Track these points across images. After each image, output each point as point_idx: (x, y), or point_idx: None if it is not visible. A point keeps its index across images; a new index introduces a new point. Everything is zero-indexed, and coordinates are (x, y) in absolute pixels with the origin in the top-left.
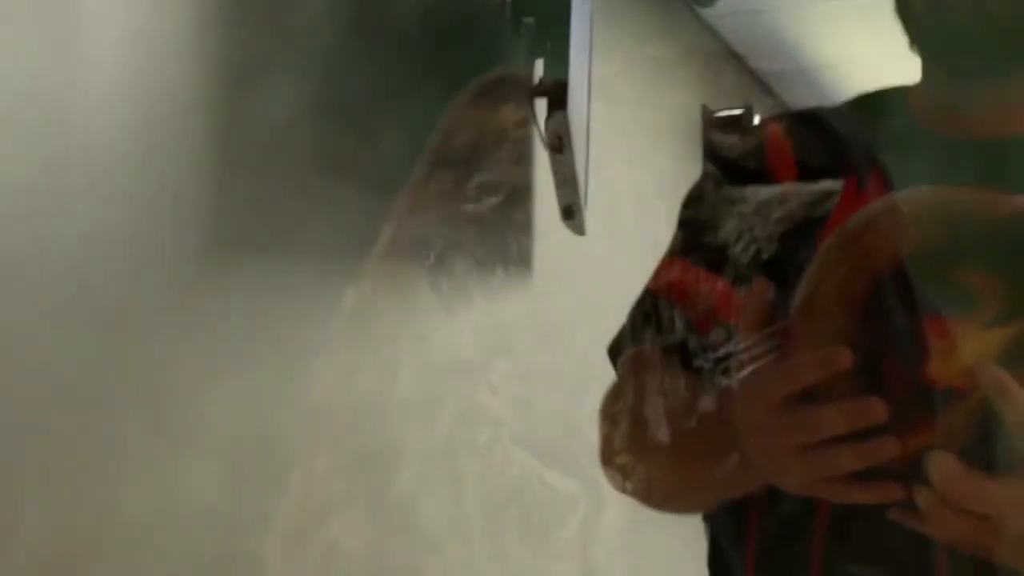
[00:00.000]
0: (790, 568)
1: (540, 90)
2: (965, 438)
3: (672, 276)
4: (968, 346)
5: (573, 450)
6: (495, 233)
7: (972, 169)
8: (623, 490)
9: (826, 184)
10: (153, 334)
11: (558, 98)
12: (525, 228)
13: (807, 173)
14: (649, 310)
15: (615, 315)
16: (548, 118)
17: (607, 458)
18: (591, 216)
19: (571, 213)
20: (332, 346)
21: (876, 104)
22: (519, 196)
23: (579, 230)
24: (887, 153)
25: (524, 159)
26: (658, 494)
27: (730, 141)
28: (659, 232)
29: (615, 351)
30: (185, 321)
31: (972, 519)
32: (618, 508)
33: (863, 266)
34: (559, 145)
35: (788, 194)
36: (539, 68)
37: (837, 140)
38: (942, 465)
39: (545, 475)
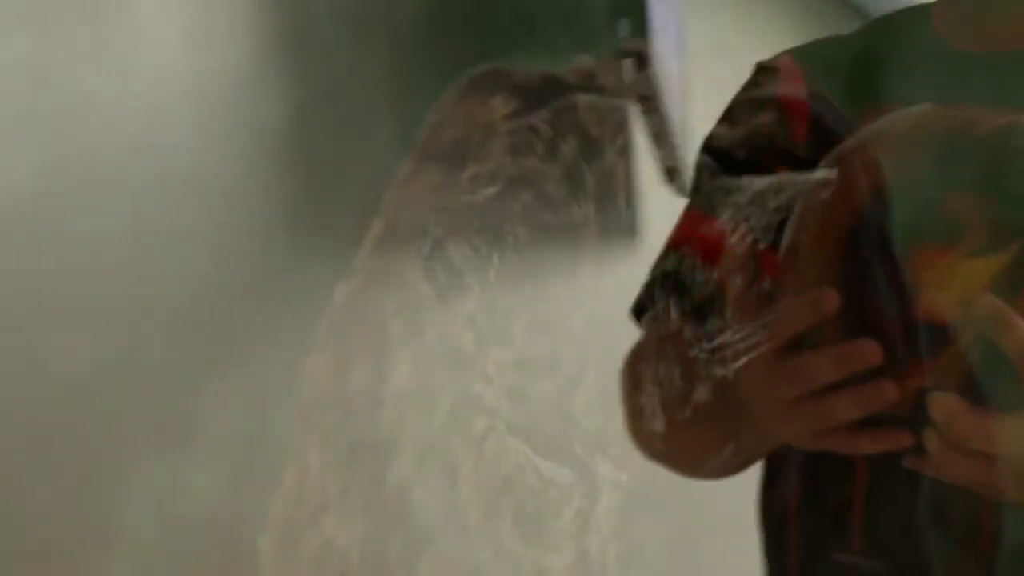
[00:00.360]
0: (831, 526)
1: (624, 51)
2: (965, 375)
3: (668, 264)
4: (959, 276)
5: (568, 439)
6: (494, 221)
7: (995, 83)
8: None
9: (821, 173)
10: (153, 334)
11: (643, 58)
12: (628, 198)
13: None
14: (644, 299)
15: (608, 303)
16: (634, 79)
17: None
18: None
19: (673, 175)
20: (323, 342)
21: (898, 24)
22: (519, 184)
23: (684, 192)
24: (910, 72)
25: (520, 150)
26: (675, 469)
27: (720, 131)
28: None
29: (637, 312)
30: (190, 321)
31: (980, 459)
32: (613, 497)
33: (844, 200)
34: (649, 107)
35: (784, 183)
36: (623, 28)
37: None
38: (943, 405)
39: (540, 465)
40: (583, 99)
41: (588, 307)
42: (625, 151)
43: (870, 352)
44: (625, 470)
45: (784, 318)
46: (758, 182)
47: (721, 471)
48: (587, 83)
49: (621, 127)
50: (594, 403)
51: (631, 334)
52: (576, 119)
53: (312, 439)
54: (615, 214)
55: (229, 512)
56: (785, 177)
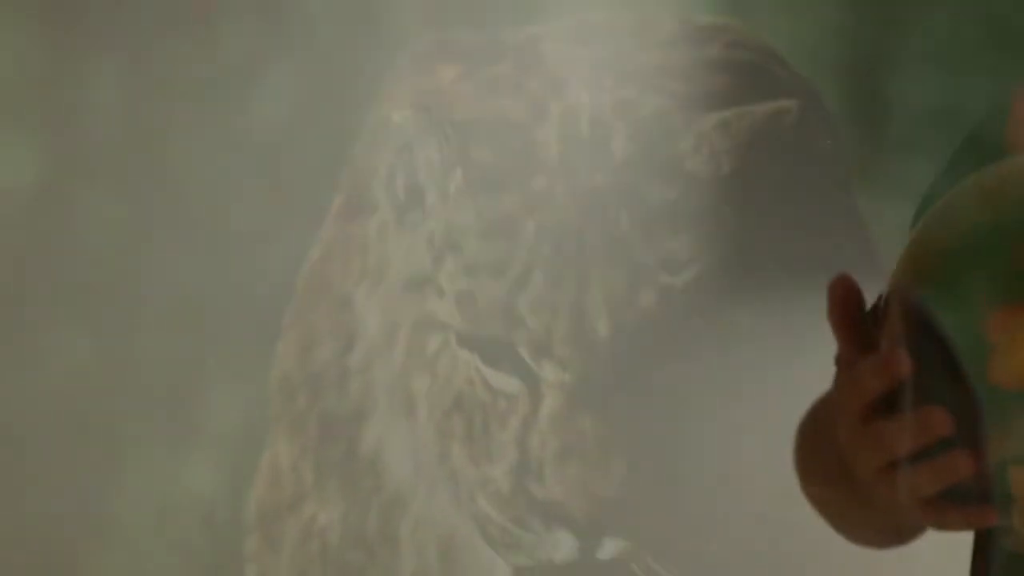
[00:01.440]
0: None
1: None
2: None
3: None
4: None
5: (513, 342)
6: (456, 140)
7: None
8: None
9: (781, 103)
10: (149, 332)
11: None
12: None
13: None
14: None
15: (564, 211)
16: None
17: None
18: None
19: None
20: (288, 324)
21: None
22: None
23: None
24: None
25: (485, 94)
26: (841, 535)
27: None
28: None
29: None
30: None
31: None
32: (555, 398)
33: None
34: None
35: (744, 113)
36: None
37: None
38: (1022, 479)
39: (488, 376)
40: (548, 48)
41: (541, 215)
42: (592, 85)
43: (939, 421)
44: (568, 371)
45: (860, 380)
46: (718, 114)
47: (869, 542)
48: None
49: (591, 69)
50: (541, 302)
51: (582, 237)
52: (542, 64)
53: (283, 424)
54: (579, 139)
55: (225, 507)
56: (743, 109)
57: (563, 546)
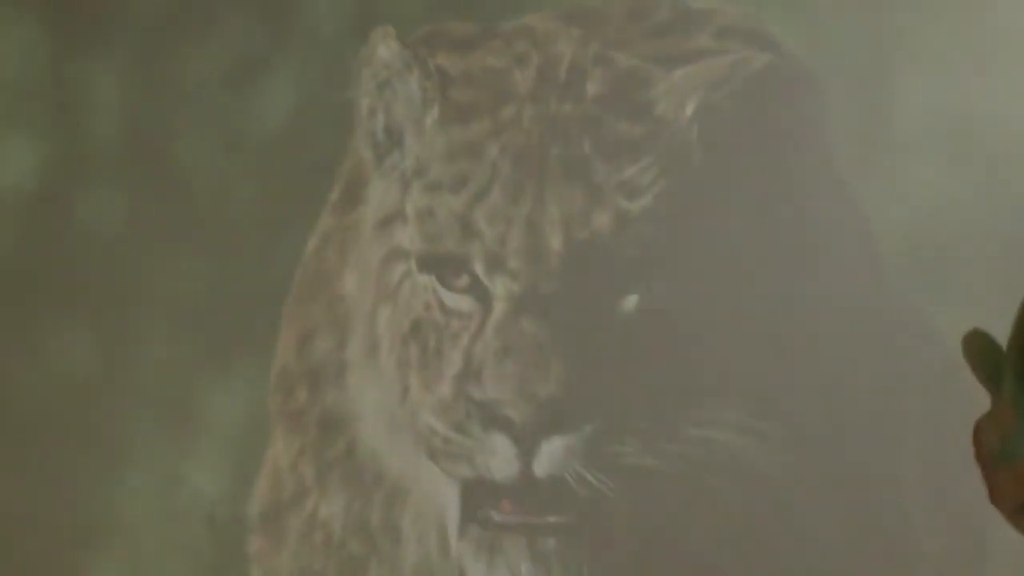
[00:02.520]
0: None
1: None
2: None
3: None
4: None
5: (468, 256)
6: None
7: None
8: None
9: (740, 54)
10: (151, 332)
11: None
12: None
13: None
14: None
15: (528, 134)
16: None
17: None
18: None
19: None
20: (286, 319)
21: None
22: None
23: None
24: None
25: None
26: None
27: None
28: None
29: None
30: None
31: None
32: (502, 308)
33: None
34: None
35: (711, 64)
36: None
37: None
38: None
39: (445, 297)
40: (539, 25)
41: (506, 138)
42: (577, 47)
43: None
44: (518, 282)
45: (980, 433)
46: (686, 67)
47: None
48: None
49: (579, 39)
50: (497, 214)
51: (543, 156)
52: (531, 35)
53: (283, 419)
54: (555, 80)
55: (228, 507)
56: (709, 60)
57: (500, 450)
